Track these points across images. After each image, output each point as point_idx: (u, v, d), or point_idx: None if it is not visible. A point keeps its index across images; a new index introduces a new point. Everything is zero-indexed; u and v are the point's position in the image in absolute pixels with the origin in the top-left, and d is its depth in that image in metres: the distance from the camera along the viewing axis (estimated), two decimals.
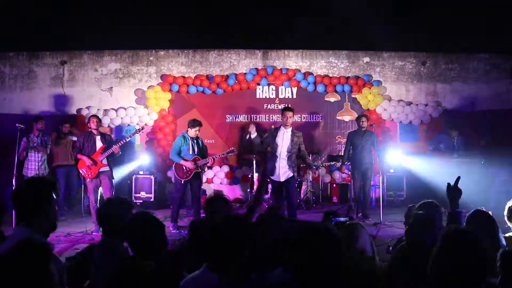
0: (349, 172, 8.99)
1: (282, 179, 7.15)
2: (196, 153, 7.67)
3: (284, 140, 7.16)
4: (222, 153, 8.26)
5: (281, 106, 10.63)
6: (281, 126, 7.25)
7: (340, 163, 8.79)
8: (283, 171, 7.14)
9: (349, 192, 9.89)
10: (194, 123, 7.78)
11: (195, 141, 7.74)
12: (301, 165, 8.99)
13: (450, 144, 9.03)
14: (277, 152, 7.13)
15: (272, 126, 10.00)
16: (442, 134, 9.42)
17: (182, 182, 7.58)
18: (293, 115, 7.47)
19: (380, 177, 9.24)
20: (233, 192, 10.61)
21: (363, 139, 8.22)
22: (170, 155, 7.84)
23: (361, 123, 8.32)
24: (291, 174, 7.20)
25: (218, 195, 4.24)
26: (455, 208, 3.18)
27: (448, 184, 3.24)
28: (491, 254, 2.35)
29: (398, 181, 10.02)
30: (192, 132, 7.70)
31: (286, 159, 7.15)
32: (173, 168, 7.73)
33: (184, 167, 7.56)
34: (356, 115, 10.63)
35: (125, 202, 3.39)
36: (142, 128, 8.25)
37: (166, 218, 7.73)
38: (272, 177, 7.19)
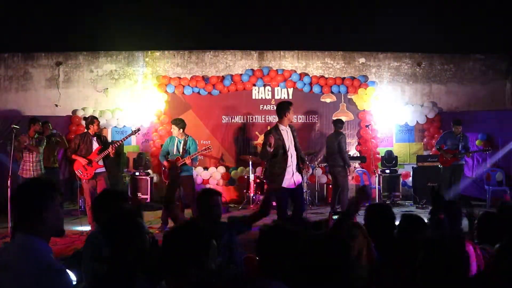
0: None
1: (296, 185, 6.14)
2: (180, 153, 7.49)
3: (289, 139, 6.11)
4: (198, 151, 7.63)
5: None
6: (279, 125, 6.15)
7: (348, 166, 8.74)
8: (296, 176, 6.14)
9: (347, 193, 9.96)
10: (171, 122, 7.73)
11: (182, 141, 7.56)
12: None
13: (455, 141, 9.05)
14: (288, 155, 6.05)
15: (269, 127, 10.00)
16: (446, 132, 9.44)
17: (167, 183, 7.58)
18: None
19: (376, 178, 9.28)
20: (229, 193, 10.59)
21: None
22: (159, 156, 7.86)
23: (342, 126, 8.91)
24: (301, 179, 6.31)
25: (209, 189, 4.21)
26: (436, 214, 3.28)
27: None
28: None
29: (393, 181, 10.04)
30: (175, 131, 7.56)
31: (296, 160, 6.19)
32: (161, 169, 7.76)
33: (164, 168, 7.57)
34: (352, 116, 10.71)
35: (121, 194, 3.36)
36: (138, 130, 8.19)
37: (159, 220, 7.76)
38: (284, 186, 6.03)
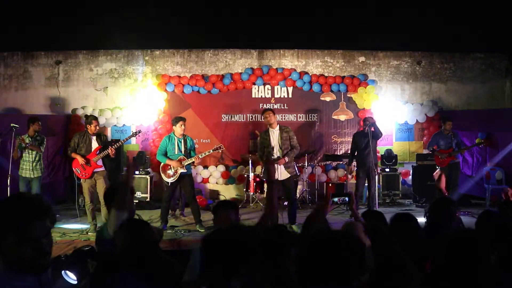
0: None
1: (280, 178, 7.23)
2: (182, 152, 7.55)
3: (275, 139, 7.39)
4: (208, 151, 7.91)
5: (277, 106, 10.69)
6: (269, 127, 7.51)
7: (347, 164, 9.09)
8: (279, 171, 7.22)
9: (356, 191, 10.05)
10: (177, 119, 7.68)
11: (181, 140, 7.61)
12: (298, 164, 9.01)
13: (448, 140, 9.04)
14: (273, 153, 7.32)
15: (256, 131, 10.11)
16: (437, 132, 9.44)
17: (169, 183, 7.54)
18: (273, 114, 7.59)
19: (376, 177, 9.27)
20: (228, 192, 10.61)
21: (365, 140, 8.34)
22: (156, 156, 7.81)
23: (363, 125, 8.57)
24: (288, 175, 7.37)
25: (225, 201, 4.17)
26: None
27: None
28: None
29: (393, 180, 10.03)
30: (178, 129, 7.55)
31: (282, 156, 7.34)
32: (160, 169, 7.67)
33: (170, 168, 7.51)
34: (352, 115, 10.71)
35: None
36: (139, 132, 8.18)
37: (158, 219, 7.77)
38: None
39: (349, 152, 9.14)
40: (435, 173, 8.97)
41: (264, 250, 2.52)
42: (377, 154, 8.85)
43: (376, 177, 8.63)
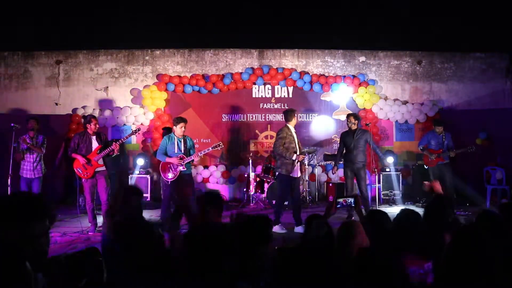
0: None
1: (298, 175, 7.55)
2: (182, 151, 7.54)
3: (296, 138, 7.55)
4: (207, 148, 7.89)
5: (277, 106, 10.69)
6: (288, 125, 7.52)
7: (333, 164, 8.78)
8: (297, 168, 7.50)
9: (345, 192, 9.95)
10: (178, 120, 7.66)
11: (181, 140, 7.61)
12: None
13: (439, 140, 9.04)
14: (296, 149, 7.43)
15: (257, 131, 10.14)
16: (429, 132, 9.42)
17: (169, 182, 7.53)
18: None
19: (376, 176, 9.28)
20: (229, 192, 10.61)
21: (354, 138, 8.06)
22: (156, 156, 7.81)
23: (348, 123, 8.21)
24: (299, 174, 7.65)
25: (211, 192, 4.18)
26: None
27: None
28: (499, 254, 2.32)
29: (393, 180, 10.03)
30: (178, 130, 7.55)
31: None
32: (160, 168, 7.66)
33: (170, 167, 7.50)
34: None
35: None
36: (139, 129, 8.18)
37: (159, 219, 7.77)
38: (291, 174, 7.39)
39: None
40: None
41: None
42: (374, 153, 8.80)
43: (367, 177, 8.36)
